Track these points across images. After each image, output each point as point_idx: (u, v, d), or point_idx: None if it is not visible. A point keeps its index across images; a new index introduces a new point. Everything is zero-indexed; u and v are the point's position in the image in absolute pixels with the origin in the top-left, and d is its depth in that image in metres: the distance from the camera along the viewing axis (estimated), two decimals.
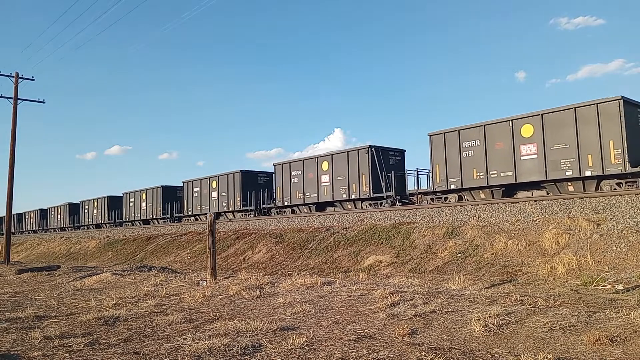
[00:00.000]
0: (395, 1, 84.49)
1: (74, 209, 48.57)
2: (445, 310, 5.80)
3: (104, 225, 43.21)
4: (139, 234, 30.80)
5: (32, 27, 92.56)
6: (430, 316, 5.59)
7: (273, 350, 4.51)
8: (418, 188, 21.84)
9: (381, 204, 22.02)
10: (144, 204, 38.67)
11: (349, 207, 23.68)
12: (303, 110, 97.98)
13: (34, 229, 56.20)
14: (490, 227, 13.82)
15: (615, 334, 4.44)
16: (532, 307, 5.69)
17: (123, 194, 41.16)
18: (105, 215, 43.05)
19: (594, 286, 8.81)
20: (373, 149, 22.54)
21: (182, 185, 35.18)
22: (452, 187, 19.20)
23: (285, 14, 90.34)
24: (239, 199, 29.52)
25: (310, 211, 24.85)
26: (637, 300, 6.40)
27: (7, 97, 22.48)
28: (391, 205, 21.19)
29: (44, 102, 23.71)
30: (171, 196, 36.79)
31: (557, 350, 4.23)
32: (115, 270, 12.71)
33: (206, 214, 29.92)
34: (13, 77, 22.37)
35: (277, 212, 27.27)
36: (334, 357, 4.24)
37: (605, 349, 4.13)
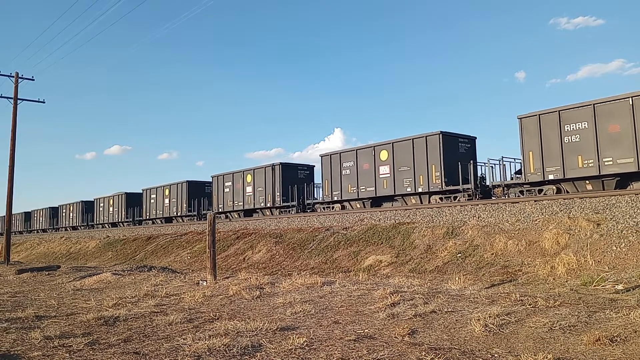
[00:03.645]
0: (395, 1, 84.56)
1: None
2: (445, 310, 5.80)
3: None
4: (139, 234, 30.79)
5: (32, 27, 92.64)
6: (430, 316, 5.59)
7: (273, 350, 4.51)
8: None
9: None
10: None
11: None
12: (303, 110, 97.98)
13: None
14: (490, 227, 13.82)
15: (615, 334, 4.44)
16: (532, 307, 5.69)
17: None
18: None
19: (594, 286, 8.81)
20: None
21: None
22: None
23: (284, 14, 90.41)
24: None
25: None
26: (637, 300, 6.40)
27: (7, 97, 22.54)
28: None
29: (44, 102, 23.77)
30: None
31: (557, 350, 4.23)
32: (115, 270, 12.71)
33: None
34: (13, 77, 22.40)
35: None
36: (334, 357, 4.24)
37: (605, 349, 4.13)
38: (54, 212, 51.77)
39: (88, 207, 45.64)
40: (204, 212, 31.66)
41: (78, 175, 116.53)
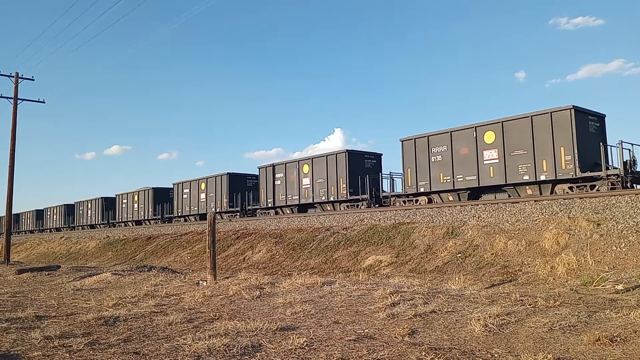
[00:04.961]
0: (395, 0, 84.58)
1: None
2: (445, 310, 5.80)
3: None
4: (139, 234, 30.79)
5: (32, 27, 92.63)
6: (430, 316, 5.59)
7: (273, 350, 4.51)
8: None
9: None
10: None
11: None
12: (303, 110, 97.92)
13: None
14: (490, 227, 13.82)
15: (615, 334, 4.44)
16: (532, 307, 5.69)
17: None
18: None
19: (594, 286, 8.81)
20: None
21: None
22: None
23: (284, 14, 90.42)
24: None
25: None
26: (637, 300, 6.40)
27: (7, 97, 22.50)
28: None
29: (44, 102, 23.74)
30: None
31: (557, 350, 4.23)
32: (115, 270, 12.70)
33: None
34: (13, 77, 22.38)
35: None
36: (334, 357, 4.24)
37: (605, 349, 4.13)
38: (69, 209, 48.65)
39: (109, 204, 42.52)
40: (249, 207, 28.93)
41: (79, 175, 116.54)
